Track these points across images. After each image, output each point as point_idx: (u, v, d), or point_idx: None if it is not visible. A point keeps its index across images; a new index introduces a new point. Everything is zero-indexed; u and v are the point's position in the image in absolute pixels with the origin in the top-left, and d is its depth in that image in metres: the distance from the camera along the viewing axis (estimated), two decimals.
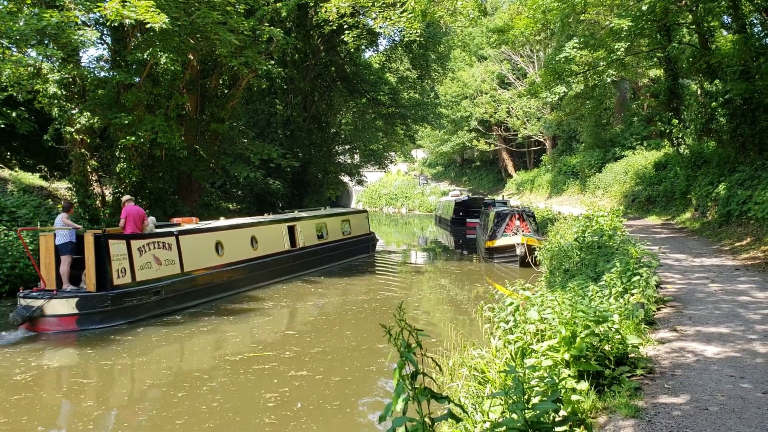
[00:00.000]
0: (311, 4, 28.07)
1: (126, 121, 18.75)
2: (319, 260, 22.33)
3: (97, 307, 13.46)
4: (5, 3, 17.25)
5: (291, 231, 21.19)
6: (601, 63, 23.66)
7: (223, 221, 19.82)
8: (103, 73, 21.40)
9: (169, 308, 15.04)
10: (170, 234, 15.90)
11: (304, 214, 23.44)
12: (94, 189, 21.01)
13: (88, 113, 19.00)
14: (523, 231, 22.54)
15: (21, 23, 15.85)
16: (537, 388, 4.84)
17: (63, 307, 13.20)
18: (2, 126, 20.05)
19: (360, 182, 43.62)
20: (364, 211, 29.93)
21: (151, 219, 15.94)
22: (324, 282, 20.00)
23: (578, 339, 5.61)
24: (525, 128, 52.48)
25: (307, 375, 10.19)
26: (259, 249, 19.13)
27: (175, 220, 18.28)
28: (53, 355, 11.72)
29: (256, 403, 8.93)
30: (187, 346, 12.68)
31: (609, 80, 28.02)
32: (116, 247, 14.00)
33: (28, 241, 17.22)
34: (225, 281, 17.30)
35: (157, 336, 13.02)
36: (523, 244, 21.38)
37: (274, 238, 20.16)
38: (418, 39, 28.39)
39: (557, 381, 4.88)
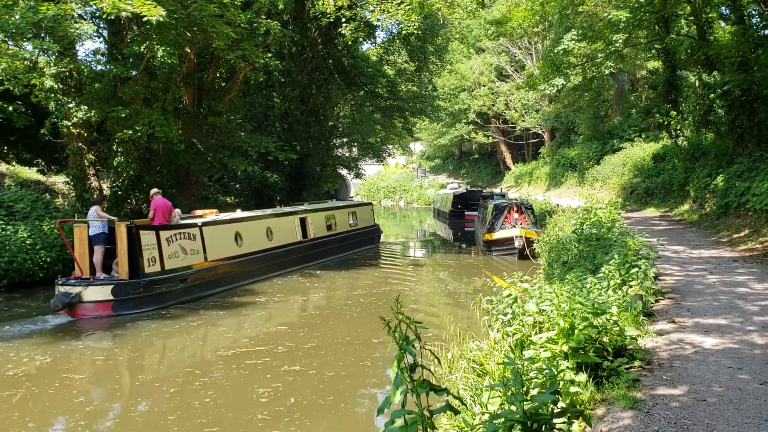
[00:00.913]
0: None
1: (123, 115, 18.70)
2: (328, 251, 23.23)
3: (130, 293, 14.44)
4: None
5: (303, 223, 22.12)
6: (600, 55, 23.62)
7: (240, 213, 20.61)
8: (99, 67, 21.31)
9: (194, 295, 15.99)
10: (194, 225, 16.86)
11: (314, 207, 24.42)
12: (91, 183, 20.98)
13: (85, 107, 18.95)
14: (521, 223, 22.55)
15: (17, 16, 15.77)
16: (536, 380, 4.85)
17: (99, 293, 14.15)
18: None
19: (358, 175, 43.56)
20: (369, 203, 30.86)
21: (177, 211, 16.86)
22: (324, 275, 20.05)
23: (577, 331, 5.61)
24: (523, 120, 52.40)
25: (301, 370, 10.15)
26: (274, 240, 20.07)
27: (197, 212, 18.98)
28: (75, 343, 11.83)
29: (249, 398, 8.88)
30: (187, 339, 12.71)
31: (607, 72, 27.99)
32: (147, 238, 14.90)
33: (25, 235, 17.26)
34: (244, 270, 18.21)
35: (173, 325, 13.43)
36: (521, 237, 21.39)
37: (287, 229, 21.13)
38: (415, 31, 28.26)
39: (556, 373, 4.88)
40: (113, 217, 15.50)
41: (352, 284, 18.59)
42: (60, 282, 14.30)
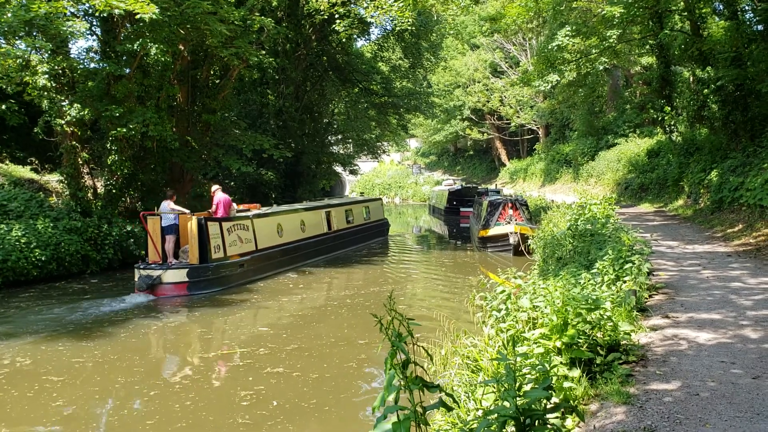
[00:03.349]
0: None
1: (117, 113, 18.63)
2: (347, 242, 25.32)
3: (202, 276, 16.48)
4: None
5: (328, 216, 24.19)
6: (594, 51, 23.63)
7: (276, 207, 22.55)
8: (92, 65, 21.22)
9: (249, 278, 18.03)
10: (247, 217, 18.91)
11: (336, 202, 27.09)
12: (85, 181, 20.89)
13: (79, 105, 18.87)
14: (516, 220, 22.55)
15: (9, 14, 15.68)
16: (529, 376, 4.85)
17: (177, 276, 16.19)
18: None
19: (353, 172, 43.56)
20: (380, 199, 33.72)
21: (234, 205, 18.83)
22: (319, 272, 20.05)
23: (569, 326, 5.62)
24: (518, 117, 52.40)
25: (284, 371, 9.91)
26: (306, 231, 22.23)
27: (242, 206, 20.64)
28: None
29: (231, 401, 8.67)
30: (180, 335, 12.66)
31: (601, 68, 27.98)
32: (213, 228, 16.98)
33: (19, 234, 17.21)
34: (284, 258, 20.22)
35: (205, 312, 14.42)
36: (516, 233, 21.39)
37: (316, 222, 23.30)
38: (409, 28, 28.26)
39: (549, 368, 4.89)
40: (186, 210, 17.23)
41: (344, 283, 18.58)
42: (141, 266, 16.22)
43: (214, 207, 17.96)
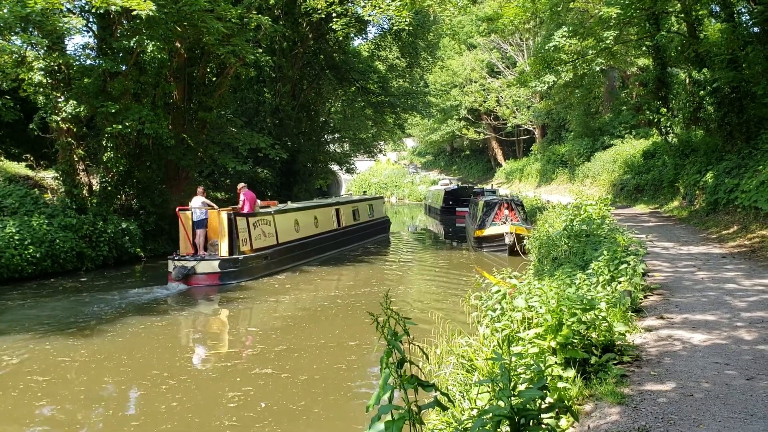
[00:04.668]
0: None
1: (113, 110, 18.59)
2: (353, 238, 26.48)
3: (232, 267, 17.54)
4: None
5: (337, 213, 25.41)
6: (590, 52, 23.63)
7: (291, 204, 23.47)
8: (89, 61, 21.18)
9: (273, 270, 19.18)
10: (269, 213, 20.03)
11: (344, 199, 28.70)
12: (80, 178, 20.84)
13: (74, 102, 18.83)
14: (511, 220, 22.56)
15: (5, 10, 15.64)
16: (524, 376, 4.85)
17: (210, 267, 17.35)
18: None
19: (349, 171, 43.52)
20: (382, 197, 35.53)
21: (258, 202, 19.96)
22: (314, 271, 20.01)
23: (564, 327, 5.62)
24: (514, 117, 52.45)
25: (272, 373, 9.79)
26: (319, 227, 23.44)
27: (261, 202, 21.14)
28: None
29: (218, 402, 8.56)
30: (168, 335, 12.62)
31: (598, 69, 28.01)
32: (241, 223, 18.06)
33: (14, 230, 17.15)
34: (301, 252, 21.34)
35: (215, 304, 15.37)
36: (511, 233, 21.41)
37: (328, 218, 24.58)
38: (407, 27, 28.24)
39: (544, 368, 4.89)
40: (215, 206, 18.43)
41: (341, 282, 18.56)
42: (176, 258, 17.28)
43: (240, 203, 18.97)
